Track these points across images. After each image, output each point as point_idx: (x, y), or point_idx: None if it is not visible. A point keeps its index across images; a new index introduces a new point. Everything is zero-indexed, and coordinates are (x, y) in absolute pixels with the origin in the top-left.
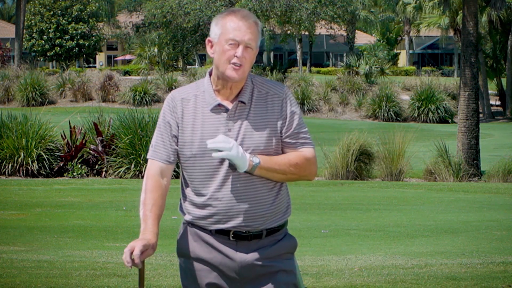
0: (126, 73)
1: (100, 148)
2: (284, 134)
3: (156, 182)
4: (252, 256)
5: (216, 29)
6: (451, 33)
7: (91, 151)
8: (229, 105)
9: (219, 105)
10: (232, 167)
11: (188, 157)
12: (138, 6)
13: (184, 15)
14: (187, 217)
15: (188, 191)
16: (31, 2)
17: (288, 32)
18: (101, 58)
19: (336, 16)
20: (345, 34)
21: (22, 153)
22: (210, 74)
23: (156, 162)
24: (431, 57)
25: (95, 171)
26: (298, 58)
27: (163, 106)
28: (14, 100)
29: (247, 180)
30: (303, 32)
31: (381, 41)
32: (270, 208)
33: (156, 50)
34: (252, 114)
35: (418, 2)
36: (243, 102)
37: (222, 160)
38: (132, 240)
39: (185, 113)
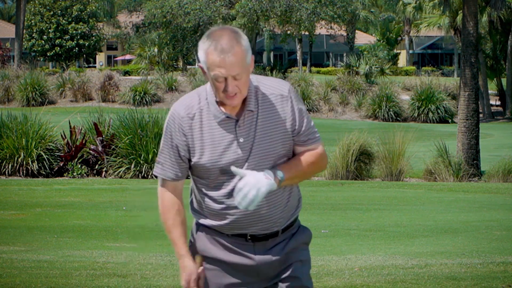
0: (126, 73)
1: (100, 148)
2: (296, 133)
3: (169, 200)
4: (270, 255)
5: (202, 58)
6: (451, 33)
7: (91, 151)
8: (237, 116)
9: (227, 117)
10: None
11: (200, 170)
12: (138, 6)
13: (184, 15)
14: (202, 221)
15: (203, 197)
16: (31, 2)
17: (288, 32)
18: (101, 58)
19: (336, 16)
20: (345, 34)
21: (22, 153)
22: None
23: (165, 180)
24: (431, 57)
25: (95, 171)
26: (298, 58)
27: (167, 122)
28: (14, 100)
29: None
30: (303, 32)
31: (381, 41)
32: (285, 209)
33: (156, 50)
34: (261, 120)
35: (418, 2)
36: (251, 111)
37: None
38: (132, 239)
39: (193, 129)
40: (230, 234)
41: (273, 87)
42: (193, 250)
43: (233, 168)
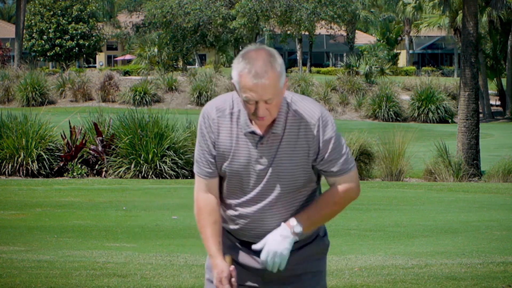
0: (126, 73)
1: (100, 148)
2: (318, 162)
3: (203, 200)
4: None
5: (234, 78)
6: (451, 33)
7: (91, 151)
8: (263, 133)
9: (253, 132)
10: None
11: (220, 170)
12: (138, 6)
13: (184, 15)
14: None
15: (220, 199)
16: (31, 2)
17: (288, 32)
18: (101, 58)
19: (336, 16)
20: (345, 34)
21: (22, 153)
22: None
23: (201, 178)
24: (431, 57)
25: (95, 171)
26: (298, 58)
27: (199, 121)
28: (14, 100)
29: (275, 201)
30: (303, 32)
31: (381, 41)
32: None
33: (156, 50)
34: (285, 142)
35: (418, 2)
36: (276, 133)
37: (250, 183)
38: (132, 240)
39: (221, 131)
40: (240, 239)
41: (305, 112)
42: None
43: (253, 246)
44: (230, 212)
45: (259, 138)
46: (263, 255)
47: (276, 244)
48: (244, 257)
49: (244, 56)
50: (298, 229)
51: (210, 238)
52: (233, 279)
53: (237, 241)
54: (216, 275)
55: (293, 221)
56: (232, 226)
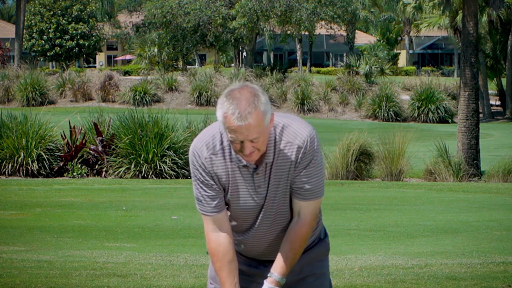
0: (126, 73)
1: (100, 148)
2: (294, 177)
3: (215, 241)
4: None
5: (219, 118)
6: (451, 33)
7: (91, 151)
8: (256, 163)
9: (246, 165)
10: None
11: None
12: (138, 6)
13: (184, 15)
14: None
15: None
16: (31, 2)
17: (288, 32)
18: (101, 58)
19: (336, 16)
20: (345, 34)
21: (22, 153)
22: None
23: (208, 216)
24: (431, 57)
25: (95, 171)
26: (298, 58)
27: (191, 159)
28: (14, 100)
29: (271, 228)
30: (303, 32)
31: (381, 41)
32: None
33: (156, 50)
34: (275, 168)
35: (418, 2)
36: (268, 162)
37: (251, 212)
38: (132, 240)
39: (215, 168)
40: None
41: (294, 135)
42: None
43: None
44: (234, 234)
45: (253, 170)
46: None
47: None
48: (246, 265)
49: (227, 96)
50: (283, 281)
51: (227, 279)
52: None
53: (242, 256)
54: None
55: (277, 276)
56: (236, 246)
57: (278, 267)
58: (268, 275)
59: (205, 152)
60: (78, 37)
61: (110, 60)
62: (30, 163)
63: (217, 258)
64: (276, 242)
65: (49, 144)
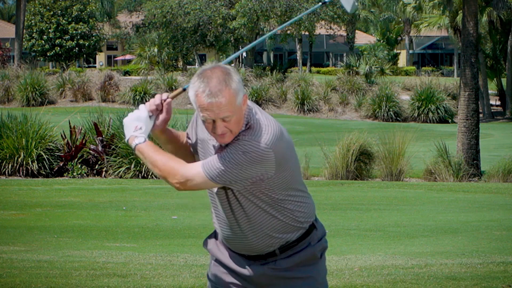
0: (126, 73)
1: (100, 148)
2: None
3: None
4: (265, 268)
5: (191, 98)
6: (451, 33)
7: (91, 151)
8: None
9: (220, 146)
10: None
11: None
12: (138, 6)
13: (184, 15)
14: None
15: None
16: (31, 2)
17: (288, 32)
18: (101, 58)
19: (336, 16)
20: (345, 34)
21: (22, 153)
22: None
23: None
24: (431, 57)
25: (95, 171)
26: (298, 58)
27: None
28: (14, 100)
29: (236, 215)
30: (303, 32)
31: (381, 41)
32: (276, 235)
33: (156, 50)
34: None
35: (418, 2)
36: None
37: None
38: (132, 240)
39: (201, 132)
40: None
41: (254, 135)
42: (204, 244)
43: None
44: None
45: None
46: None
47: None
48: (233, 265)
49: (199, 75)
50: (140, 140)
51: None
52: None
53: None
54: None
55: (138, 134)
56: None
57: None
58: None
59: (199, 116)
60: (78, 37)
61: (110, 60)
62: (30, 163)
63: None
64: (256, 236)
65: (49, 144)
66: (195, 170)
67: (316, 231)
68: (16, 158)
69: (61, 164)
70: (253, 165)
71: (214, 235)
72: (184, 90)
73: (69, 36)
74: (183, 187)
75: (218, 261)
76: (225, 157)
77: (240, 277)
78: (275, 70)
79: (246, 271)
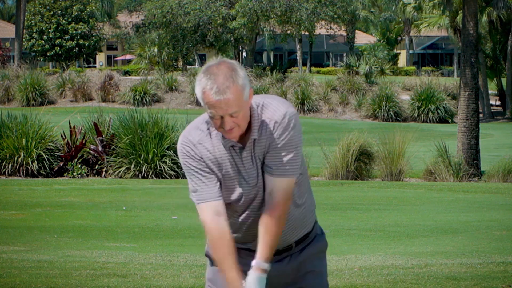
0: (126, 73)
1: (100, 148)
2: (266, 157)
3: (216, 232)
4: (282, 264)
5: (198, 94)
6: (451, 33)
7: (91, 151)
8: (243, 143)
9: (233, 146)
10: None
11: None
12: (138, 6)
13: (184, 15)
14: None
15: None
16: (31, 2)
17: (288, 32)
18: (101, 58)
19: (336, 16)
20: (345, 34)
21: (22, 153)
22: None
23: (206, 204)
24: (431, 57)
25: (95, 171)
26: (298, 58)
27: (181, 152)
28: (14, 100)
29: (261, 202)
30: (303, 32)
31: (381, 41)
32: (299, 225)
33: (156, 50)
34: (257, 146)
35: (418, 2)
36: (254, 139)
37: (239, 197)
38: (132, 240)
39: (206, 154)
40: (239, 248)
41: (273, 111)
42: (205, 252)
43: None
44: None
45: (240, 149)
46: None
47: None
48: (246, 267)
49: (205, 72)
50: (266, 266)
51: (233, 267)
52: None
53: (238, 251)
54: None
55: (260, 264)
56: (236, 236)
57: (258, 253)
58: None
59: (194, 139)
60: (78, 37)
61: (110, 60)
62: (30, 163)
63: (222, 244)
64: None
65: (49, 144)
66: (288, 185)
67: (318, 224)
68: (16, 158)
69: (61, 164)
70: (300, 130)
71: None
72: None
73: (69, 36)
74: (285, 210)
75: None
76: (285, 146)
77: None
78: (275, 70)
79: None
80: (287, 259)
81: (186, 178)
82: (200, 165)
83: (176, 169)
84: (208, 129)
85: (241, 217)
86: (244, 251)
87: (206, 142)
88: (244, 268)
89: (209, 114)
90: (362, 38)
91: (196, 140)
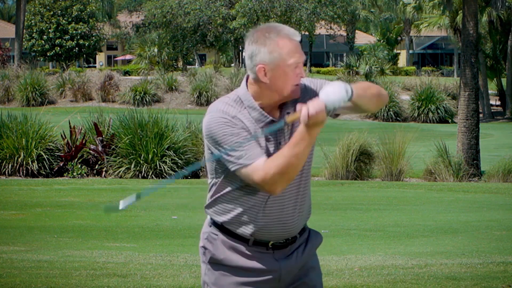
0: (126, 73)
1: (100, 148)
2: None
3: (273, 169)
4: (291, 260)
5: (273, 54)
6: (451, 33)
7: (91, 151)
8: (279, 118)
9: (272, 120)
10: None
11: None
12: (138, 6)
13: (184, 15)
14: (226, 225)
15: (235, 202)
16: (31, 2)
17: None
18: (101, 58)
19: (336, 16)
20: (345, 34)
21: (22, 153)
22: (247, 88)
23: (257, 162)
24: (431, 57)
25: (95, 171)
26: None
27: (218, 125)
28: (14, 100)
29: (295, 195)
30: (303, 32)
31: (381, 41)
32: (307, 212)
33: (156, 50)
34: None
35: (418, 2)
36: (288, 113)
37: None
38: (132, 240)
39: (241, 126)
40: (252, 243)
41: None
42: (209, 257)
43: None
44: (249, 212)
45: (283, 122)
46: (322, 94)
47: (335, 87)
48: (257, 264)
49: (265, 32)
50: (351, 91)
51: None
52: None
53: (248, 248)
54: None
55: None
56: (247, 230)
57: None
58: None
59: (231, 112)
60: (78, 37)
61: (110, 60)
62: (30, 163)
63: (286, 169)
64: (300, 212)
65: (49, 144)
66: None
67: None
68: (16, 158)
69: (61, 164)
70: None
71: (222, 244)
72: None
73: (69, 36)
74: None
75: (237, 268)
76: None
77: (264, 280)
78: None
79: (272, 271)
80: (294, 255)
81: (186, 178)
82: (241, 130)
83: (176, 169)
84: (240, 111)
85: (268, 204)
86: (260, 248)
87: (241, 117)
88: (259, 266)
89: (293, 62)
90: (362, 38)
91: (233, 114)
